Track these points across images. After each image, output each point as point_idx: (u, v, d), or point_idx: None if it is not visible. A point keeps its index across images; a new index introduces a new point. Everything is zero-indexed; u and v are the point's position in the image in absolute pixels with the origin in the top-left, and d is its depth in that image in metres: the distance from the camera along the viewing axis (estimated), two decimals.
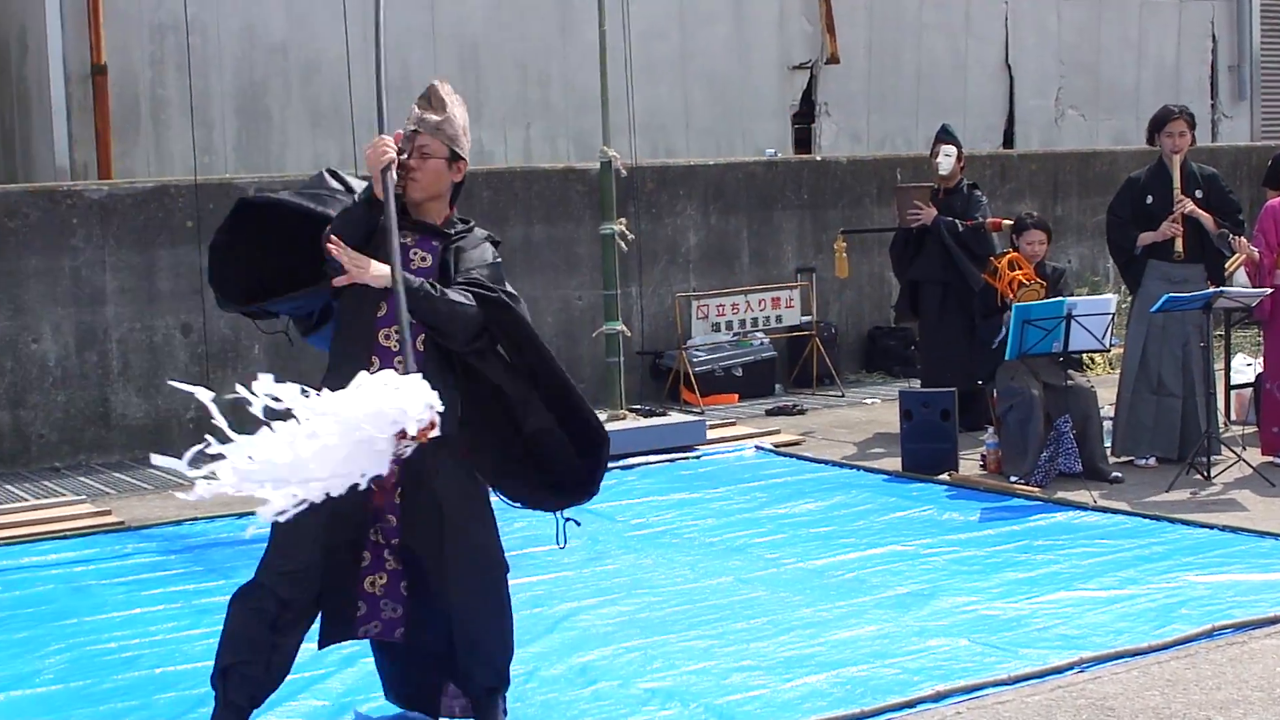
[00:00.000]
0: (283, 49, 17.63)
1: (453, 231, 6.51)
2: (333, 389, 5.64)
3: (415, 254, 6.39)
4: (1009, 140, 22.54)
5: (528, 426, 6.45)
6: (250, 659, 6.24)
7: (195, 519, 11.28)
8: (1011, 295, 11.81)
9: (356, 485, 5.64)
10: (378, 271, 6.15)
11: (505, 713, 6.65)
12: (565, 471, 6.59)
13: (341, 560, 6.34)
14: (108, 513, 11.56)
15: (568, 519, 6.82)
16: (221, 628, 6.35)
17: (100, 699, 7.42)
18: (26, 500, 12.17)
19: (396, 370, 5.85)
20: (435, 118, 6.45)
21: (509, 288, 6.44)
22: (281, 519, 5.43)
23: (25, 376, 13.53)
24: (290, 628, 6.30)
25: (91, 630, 8.60)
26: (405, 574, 6.46)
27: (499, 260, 6.55)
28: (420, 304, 6.13)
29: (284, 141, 17.72)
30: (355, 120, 14.99)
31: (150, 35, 17.08)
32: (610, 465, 12.27)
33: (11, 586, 9.65)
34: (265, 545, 6.36)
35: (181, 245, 13.99)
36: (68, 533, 11.03)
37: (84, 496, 12.20)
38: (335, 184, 6.85)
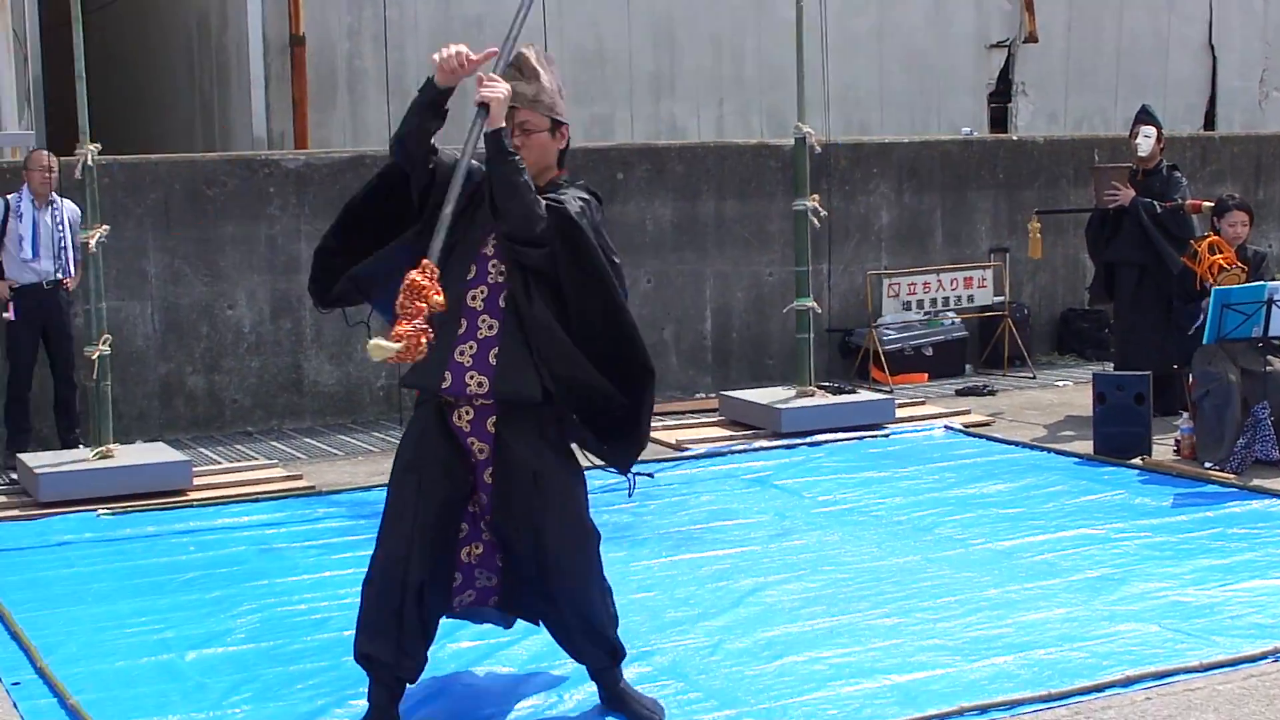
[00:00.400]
0: (478, 21, 17.75)
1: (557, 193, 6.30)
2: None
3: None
4: (1210, 122, 22.20)
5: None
6: (385, 644, 6.32)
7: (384, 485, 11.33)
8: (1211, 279, 11.61)
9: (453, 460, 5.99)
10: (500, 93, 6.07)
11: (621, 676, 6.68)
12: (606, 411, 6.35)
13: (439, 532, 6.36)
14: (299, 477, 11.70)
15: (638, 474, 6.67)
16: (357, 614, 6.42)
17: (289, 659, 7.51)
18: (220, 464, 12.35)
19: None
20: (530, 90, 6.31)
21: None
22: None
23: (220, 342, 13.72)
24: (416, 604, 6.32)
25: (282, 591, 8.71)
26: (500, 545, 6.48)
27: (588, 205, 6.32)
28: (505, 164, 6.07)
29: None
30: None
31: (348, 6, 17.29)
32: (797, 443, 12.29)
33: (205, 547, 9.79)
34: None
35: None
36: (260, 496, 11.17)
37: (276, 461, 12.36)
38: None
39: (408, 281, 5.69)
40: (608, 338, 6.23)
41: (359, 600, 6.40)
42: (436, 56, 6.15)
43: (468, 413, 6.26)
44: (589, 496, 6.51)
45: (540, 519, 6.24)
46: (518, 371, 6.13)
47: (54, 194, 12.11)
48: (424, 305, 5.65)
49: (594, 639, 6.51)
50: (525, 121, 6.29)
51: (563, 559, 6.30)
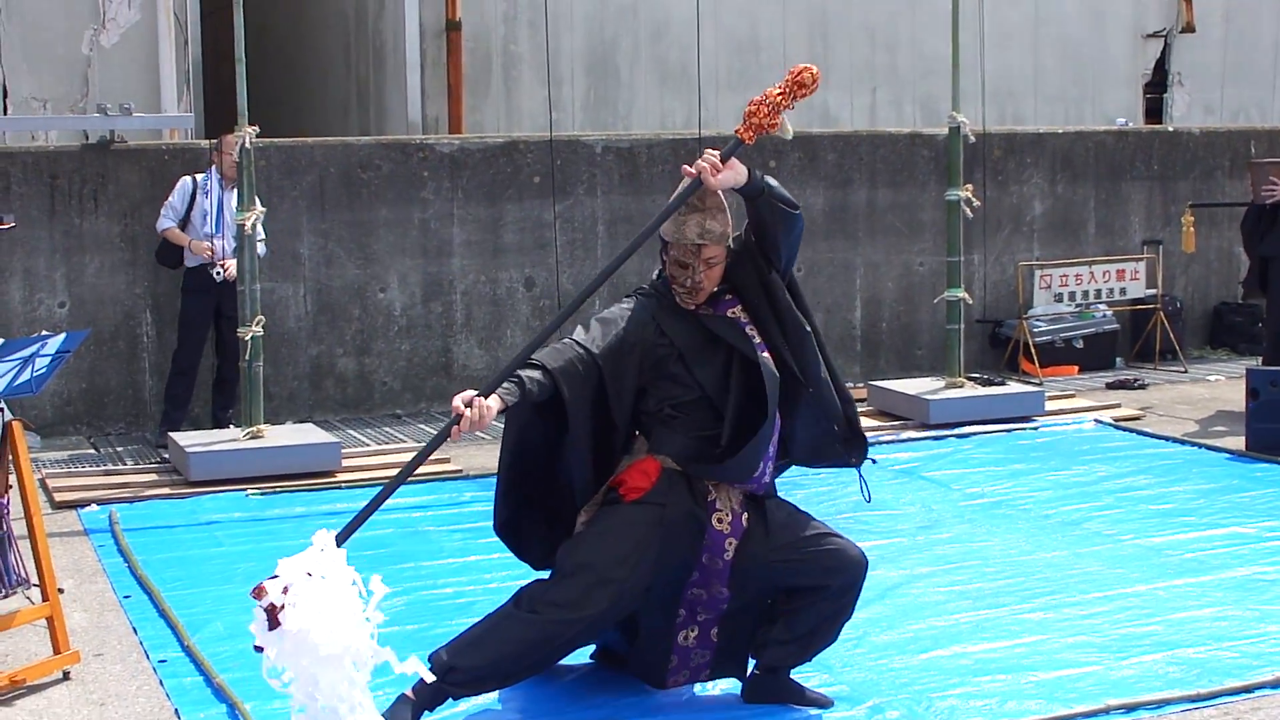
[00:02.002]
0: (633, 8, 17.78)
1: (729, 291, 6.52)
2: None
3: (732, 313, 6.49)
4: None
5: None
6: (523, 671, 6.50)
7: None
8: None
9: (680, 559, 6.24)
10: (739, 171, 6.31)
11: None
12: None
13: (658, 618, 6.52)
14: (446, 460, 11.76)
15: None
16: (493, 622, 6.52)
17: (435, 643, 7.49)
18: (369, 445, 12.45)
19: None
20: (718, 228, 6.34)
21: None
22: None
23: (372, 325, 13.84)
24: (579, 641, 6.57)
25: (428, 575, 8.78)
26: (718, 620, 6.56)
27: None
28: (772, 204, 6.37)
29: (631, 100, 17.89)
30: (702, 80, 15.07)
31: None
32: (945, 434, 12.25)
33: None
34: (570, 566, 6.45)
35: (528, 200, 14.18)
36: (408, 479, 11.21)
37: (424, 444, 12.42)
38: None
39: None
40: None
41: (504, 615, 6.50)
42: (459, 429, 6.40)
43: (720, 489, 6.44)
44: None
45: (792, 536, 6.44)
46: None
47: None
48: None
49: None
50: (712, 257, 6.37)
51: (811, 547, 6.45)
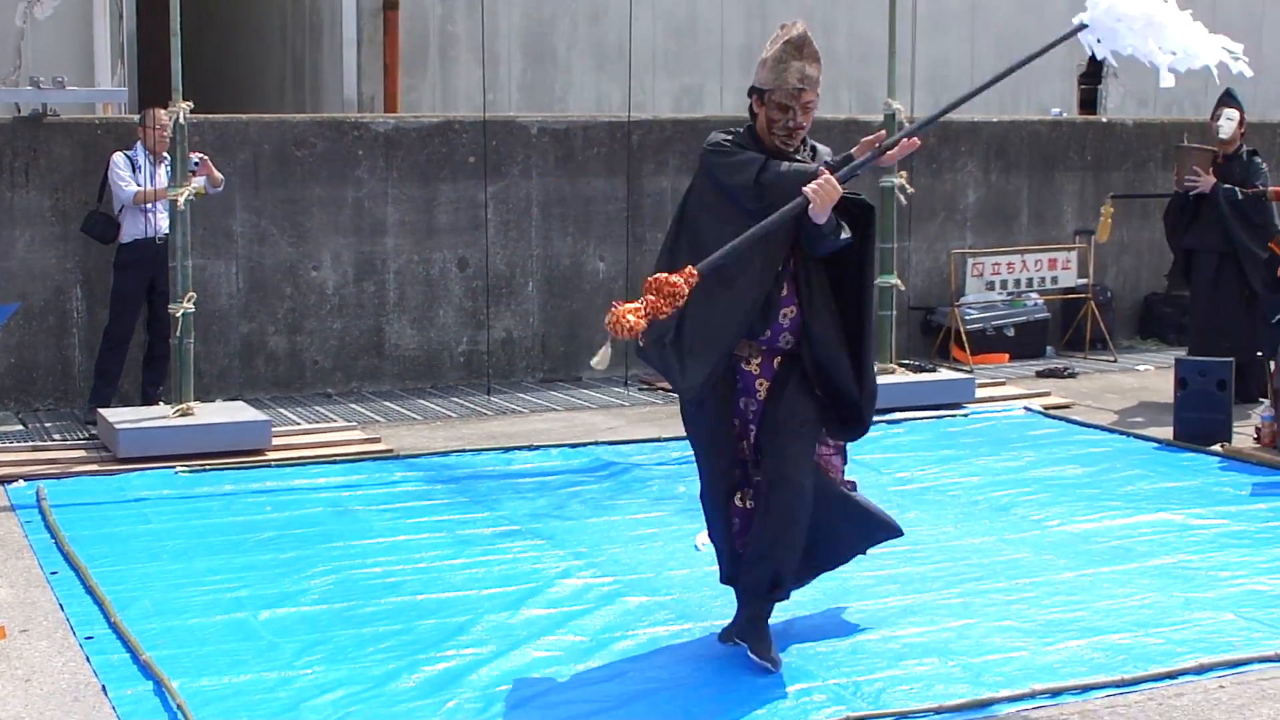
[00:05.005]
0: None
1: (814, 153, 7.09)
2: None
3: None
4: None
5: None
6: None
7: (462, 450, 11.45)
8: None
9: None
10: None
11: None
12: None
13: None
14: (377, 440, 11.75)
15: None
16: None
17: (362, 622, 7.55)
18: (299, 425, 12.42)
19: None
20: (815, 73, 6.93)
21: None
22: None
23: (304, 303, 13.79)
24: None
25: (357, 554, 8.75)
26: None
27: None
28: (829, 240, 6.78)
29: (568, 82, 17.88)
30: (639, 63, 15.07)
31: None
32: (876, 419, 12.27)
33: (281, 508, 9.85)
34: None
35: (463, 180, 14.15)
36: (337, 458, 11.22)
37: (355, 423, 12.42)
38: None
39: (668, 282, 6.37)
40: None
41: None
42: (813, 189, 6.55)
43: (756, 358, 6.95)
44: None
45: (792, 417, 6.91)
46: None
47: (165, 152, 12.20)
48: (667, 309, 6.36)
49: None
50: (810, 101, 6.93)
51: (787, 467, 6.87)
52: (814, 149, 7.10)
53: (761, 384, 6.94)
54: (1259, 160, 13.62)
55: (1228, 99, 13.62)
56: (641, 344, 6.57)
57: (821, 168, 6.68)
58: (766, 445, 6.89)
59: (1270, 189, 13.40)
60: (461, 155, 14.17)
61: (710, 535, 7.21)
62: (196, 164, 11.95)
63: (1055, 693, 6.58)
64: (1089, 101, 21.09)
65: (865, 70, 18.66)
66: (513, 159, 14.38)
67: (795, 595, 7.77)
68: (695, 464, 7.18)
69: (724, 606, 7.60)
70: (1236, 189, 13.22)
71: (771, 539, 6.84)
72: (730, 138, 6.92)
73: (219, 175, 12.37)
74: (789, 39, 6.93)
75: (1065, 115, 18.74)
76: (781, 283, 6.83)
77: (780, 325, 6.87)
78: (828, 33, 19.19)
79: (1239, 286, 13.20)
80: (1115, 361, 15.98)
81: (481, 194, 13.97)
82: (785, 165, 6.76)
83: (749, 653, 6.85)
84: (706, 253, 6.51)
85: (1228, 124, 13.44)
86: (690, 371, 6.75)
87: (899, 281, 13.49)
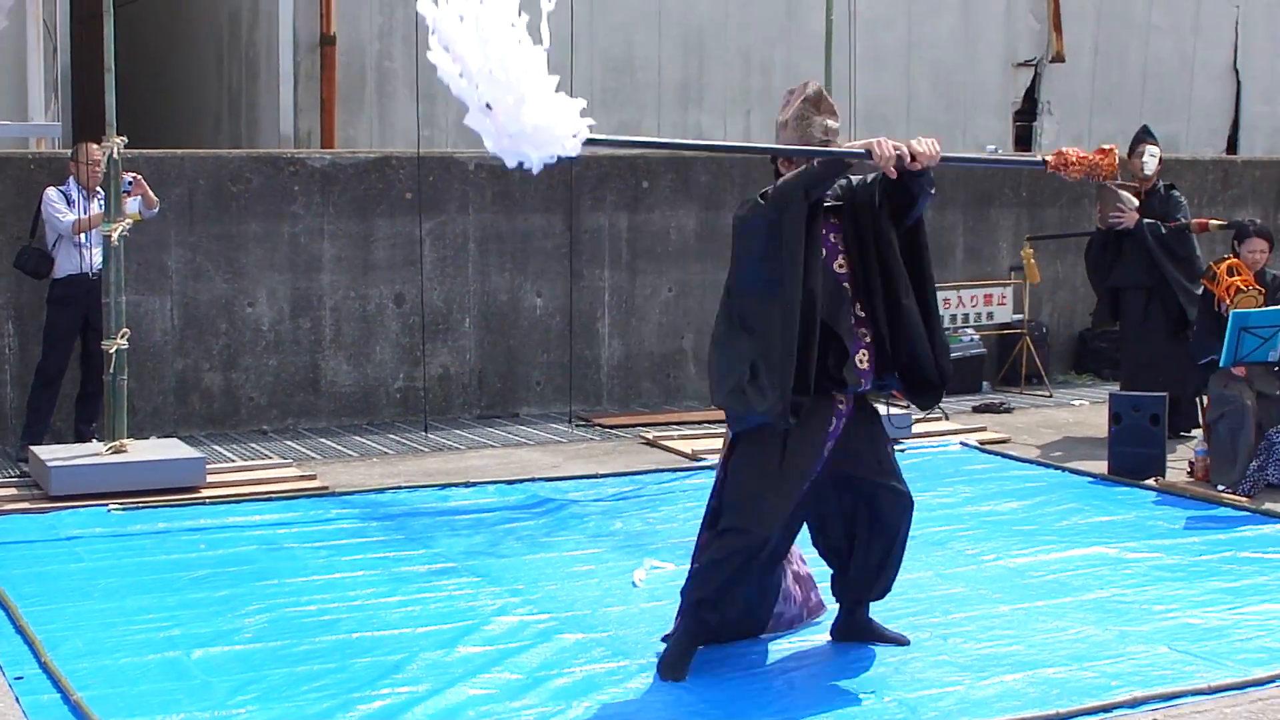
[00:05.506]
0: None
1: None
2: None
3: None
4: (1232, 146, 22.18)
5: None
6: (727, 596, 7.31)
7: (398, 487, 11.41)
8: (1229, 300, 11.58)
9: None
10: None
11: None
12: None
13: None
14: (312, 477, 11.70)
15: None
16: (701, 562, 7.25)
17: (297, 660, 7.50)
18: (234, 461, 12.36)
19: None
20: (837, 125, 7.23)
21: None
22: None
23: (239, 339, 13.74)
24: (767, 567, 7.54)
25: (291, 592, 8.70)
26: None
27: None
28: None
29: None
30: (576, 99, 15.05)
31: (380, 7, 17.32)
32: None
33: (215, 545, 9.78)
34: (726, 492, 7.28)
35: (399, 216, 14.13)
36: (272, 495, 11.16)
37: (290, 460, 12.37)
38: None
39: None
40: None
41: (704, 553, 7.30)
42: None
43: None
44: None
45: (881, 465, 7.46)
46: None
47: (98, 186, 12.13)
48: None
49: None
50: None
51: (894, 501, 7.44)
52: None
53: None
54: (1177, 194, 13.71)
55: (1148, 135, 13.71)
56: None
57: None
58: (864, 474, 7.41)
59: (1195, 221, 13.51)
60: (398, 191, 14.16)
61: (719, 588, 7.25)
62: (130, 184, 11.89)
63: None
64: (1024, 138, 21.19)
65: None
66: (450, 195, 14.37)
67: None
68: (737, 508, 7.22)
69: (660, 643, 7.59)
70: (1160, 224, 13.29)
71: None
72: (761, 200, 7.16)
73: (154, 196, 12.30)
74: (805, 97, 7.24)
75: (1000, 152, 18.83)
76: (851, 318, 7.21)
77: (862, 370, 7.22)
78: (765, 71, 19.24)
79: (1167, 321, 13.28)
80: (1050, 396, 16.05)
81: (418, 230, 13.95)
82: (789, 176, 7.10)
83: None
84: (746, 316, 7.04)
85: (1151, 160, 13.50)
86: (767, 397, 6.98)
87: None
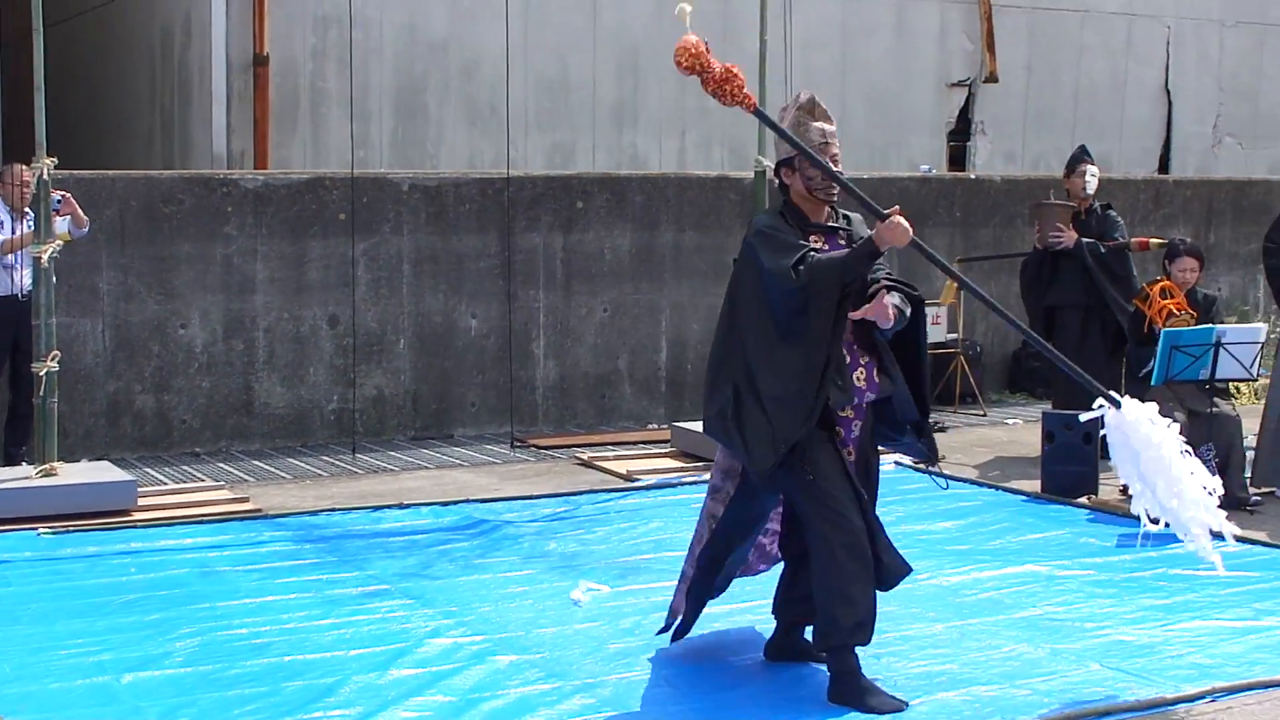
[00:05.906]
0: (443, 46, 17.76)
1: (840, 225, 7.55)
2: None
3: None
4: (1164, 165, 22.32)
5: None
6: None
7: (331, 510, 11.36)
8: (1160, 323, 11.63)
9: None
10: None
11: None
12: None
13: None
14: (245, 500, 11.63)
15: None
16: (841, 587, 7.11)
17: (228, 684, 7.46)
18: (166, 484, 12.28)
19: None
20: (833, 128, 7.44)
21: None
22: None
23: (171, 361, 13.66)
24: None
25: (223, 615, 8.64)
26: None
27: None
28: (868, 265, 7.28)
29: (439, 138, 17.84)
30: (511, 119, 15.05)
31: (313, 27, 17.27)
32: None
33: (146, 569, 9.71)
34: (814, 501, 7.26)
35: (333, 237, 14.09)
36: (204, 518, 11.10)
37: (223, 483, 12.30)
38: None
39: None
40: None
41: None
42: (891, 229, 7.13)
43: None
44: None
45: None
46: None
47: (27, 208, 12.05)
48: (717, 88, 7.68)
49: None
50: (837, 154, 7.46)
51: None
52: (848, 218, 7.60)
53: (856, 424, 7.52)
54: (1114, 213, 13.75)
55: (1086, 155, 13.75)
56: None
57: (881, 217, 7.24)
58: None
59: (1135, 240, 13.56)
60: (332, 212, 14.11)
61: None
62: (59, 203, 11.82)
63: None
64: (958, 158, 21.28)
65: (738, 129, 18.69)
66: (384, 216, 14.34)
67: (667, 652, 7.78)
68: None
69: (594, 665, 7.58)
70: (1098, 243, 13.34)
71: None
72: (775, 223, 7.32)
73: (83, 215, 12.23)
74: (799, 105, 7.48)
75: (935, 172, 18.90)
76: (840, 346, 7.24)
77: (859, 388, 7.36)
78: (700, 92, 19.14)
79: (1105, 340, 13.32)
80: (985, 415, 16.10)
81: (352, 251, 13.91)
82: (824, 256, 7.15)
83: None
84: (748, 346, 7.20)
85: (1092, 180, 13.54)
86: (757, 452, 7.12)
87: None
